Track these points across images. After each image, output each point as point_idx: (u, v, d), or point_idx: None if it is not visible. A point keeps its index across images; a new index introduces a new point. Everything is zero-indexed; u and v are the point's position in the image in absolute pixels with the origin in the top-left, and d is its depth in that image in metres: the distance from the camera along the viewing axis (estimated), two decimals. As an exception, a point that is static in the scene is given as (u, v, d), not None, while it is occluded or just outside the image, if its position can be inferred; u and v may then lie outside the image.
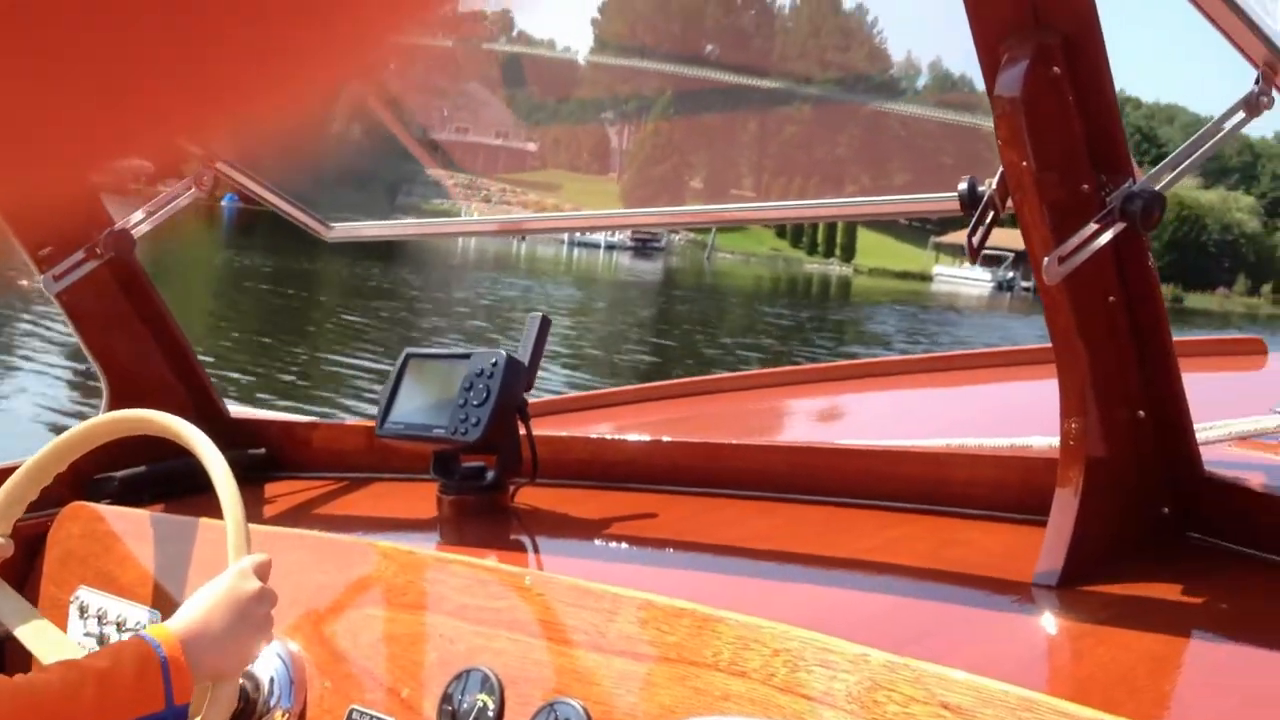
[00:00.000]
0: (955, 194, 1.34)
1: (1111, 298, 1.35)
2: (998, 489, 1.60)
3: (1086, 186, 1.27)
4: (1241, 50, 1.33)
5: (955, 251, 72.83)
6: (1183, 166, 1.30)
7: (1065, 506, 1.36)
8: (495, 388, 1.67)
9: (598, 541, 1.66)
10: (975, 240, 1.29)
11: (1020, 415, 2.11)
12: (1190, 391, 1.45)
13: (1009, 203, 1.29)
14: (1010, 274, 66.46)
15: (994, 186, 1.30)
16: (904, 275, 75.12)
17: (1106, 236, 1.26)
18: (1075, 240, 1.24)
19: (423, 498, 1.81)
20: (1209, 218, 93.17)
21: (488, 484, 1.74)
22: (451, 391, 1.71)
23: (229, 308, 17.59)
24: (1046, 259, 1.24)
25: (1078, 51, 1.22)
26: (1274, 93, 1.34)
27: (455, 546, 1.64)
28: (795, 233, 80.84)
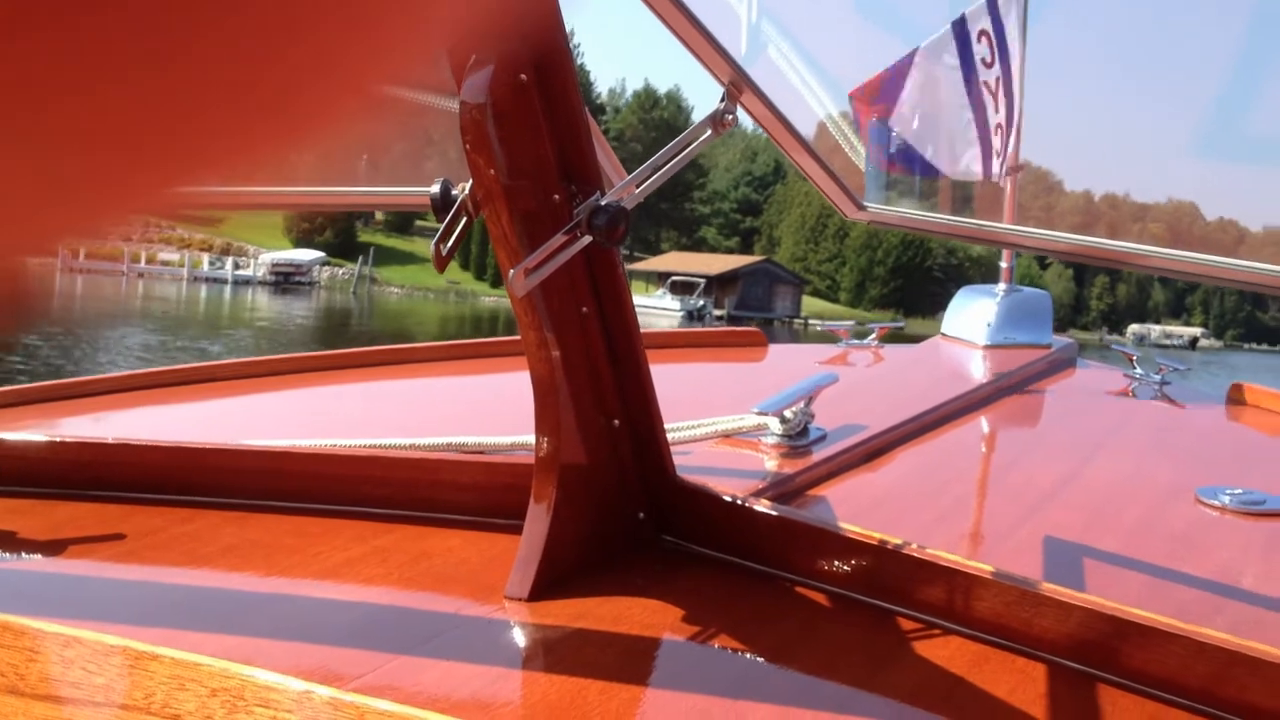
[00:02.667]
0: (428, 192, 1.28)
1: (584, 309, 1.35)
2: (485, 494, 1.56)
3: (557, 197, 1.26)
4: (710, 69, 1.37)
5: (645, 278, 70.95)
6: (650, 180, 1.31)
7: (538, 518, 1.34)
8: (-89, 390, 1.43)
9: (37, 562, 1.46)
10: (444, 248, 1.23)
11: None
12: (691, 386, 1.48)
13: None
14: (701, 302, 65.97)
15: (467, 191, 1.25)
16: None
17: (574, 249, 1.25)
18: (542, 252, 1.22)
19: None
20: (934, 242, 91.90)
21: (-93, 499, 1.50)
22: None
23: None
24: (513, 270, 1.21)
25: (545, 60, 1.20)
26: (738, 110, 1.39)
27: None
28: (479, 264, 77.54)
